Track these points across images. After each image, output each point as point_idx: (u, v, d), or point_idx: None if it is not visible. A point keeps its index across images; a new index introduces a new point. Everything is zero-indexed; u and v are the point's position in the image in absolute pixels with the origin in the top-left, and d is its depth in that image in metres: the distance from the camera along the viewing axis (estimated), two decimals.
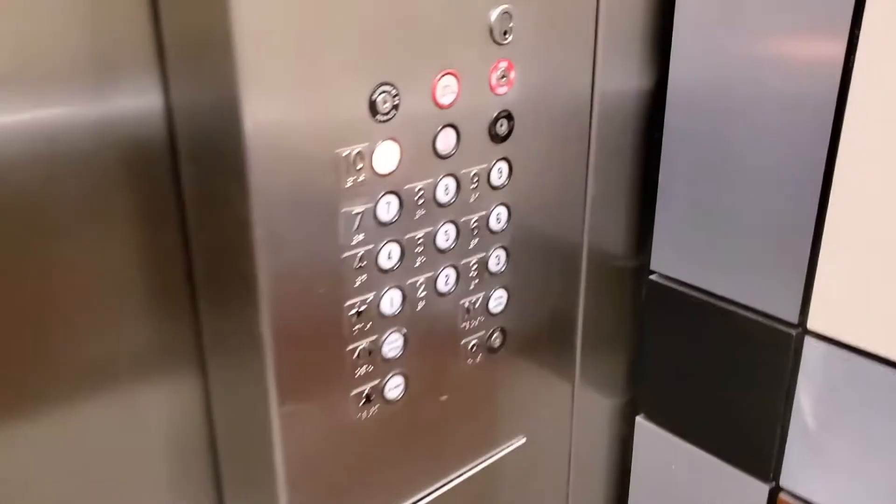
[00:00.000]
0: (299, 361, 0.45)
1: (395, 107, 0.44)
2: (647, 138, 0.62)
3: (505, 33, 0.48)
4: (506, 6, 0.47)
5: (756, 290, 0.58)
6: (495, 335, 0.56)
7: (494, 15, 0.47)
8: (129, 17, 0.40)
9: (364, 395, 0.49)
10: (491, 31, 0.47)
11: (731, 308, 0.59)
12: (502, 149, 0.51)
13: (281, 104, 0.39)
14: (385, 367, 0.49)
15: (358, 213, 0.44)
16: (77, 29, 0.39)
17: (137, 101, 0.42)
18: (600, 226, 0.62)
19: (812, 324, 0.54)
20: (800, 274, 0.54)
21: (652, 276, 0.65)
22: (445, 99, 0.46)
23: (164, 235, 0.45)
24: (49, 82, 0.39)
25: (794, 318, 0.55)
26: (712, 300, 0.60)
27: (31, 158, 0.39)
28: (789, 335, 0.56)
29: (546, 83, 0.52)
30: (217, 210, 0.42)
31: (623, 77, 0.59)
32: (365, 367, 0.48)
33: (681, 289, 0.62)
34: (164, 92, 0.42)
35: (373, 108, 0.43)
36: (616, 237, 0.64)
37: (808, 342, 0.55)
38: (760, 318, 0.57)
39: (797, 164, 0.54)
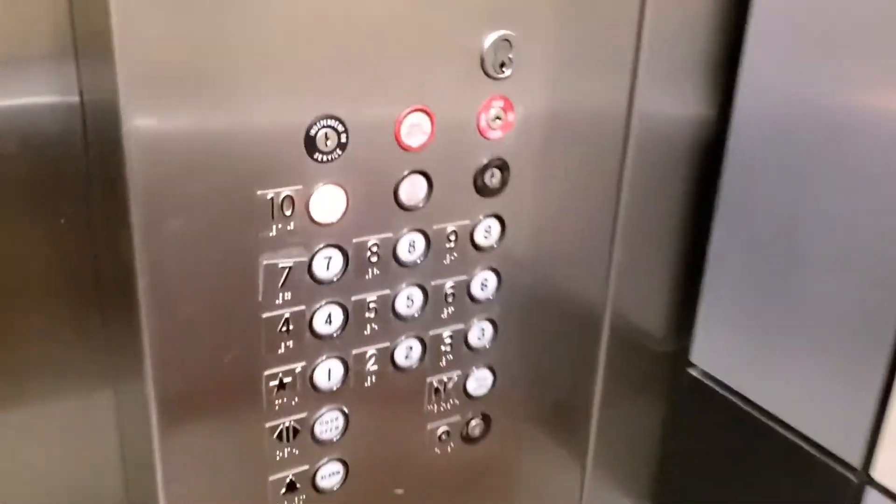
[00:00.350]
0: (197, 436, 0.37)
1: (342, 145, 0.36)
2: (697, 197, 0.51)
3: (502, 65, 0.39)
4: (505, 32, 0.38)
5: (814, 415, 0.45)
6: (474, 422, 0.47)
7: (488, 42, 0.38)
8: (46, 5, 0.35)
9: (287, 482, 0.41)
10: (482, 62, 0.38)
11: (782, 431, 0.47)
12: (492, 203, 0.42)
13: (178, 121, 0.32)
14: (317, 450, 0.41)
15: (285, 267, 0.37)
16: None
17: (50, 97, 0.36)
18: (628, 299, 0.51)
19: (878, 472, 0.42)
20: (868, 405, 0.42)
21: (691, 370, 0.53)
22: (413, 140, 0.38)
23: (80, 241, 0.38)
24: None
25: (857, 461, 0.43)
26: (759, 416, 0.48)
27: None
28: (848, 481, 0.43)
29: (559, 127, 0.42)
30: (111, 235, 0.36)
31: (670, 118, 0.48)
32: (288, 448, 0.40)
33: (723, 393, 0.51)
34: (80, 88, 0.36)
35: (310, 144, 0.35)
36: (649, 315, 0.53)
37: (871, 495, 0.42)
38: (815, 452, 0.45)
39: (881, 253, 0.41)
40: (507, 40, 0.38)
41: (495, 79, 0.39)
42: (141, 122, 0.31)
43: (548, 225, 0.45)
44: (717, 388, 0.51)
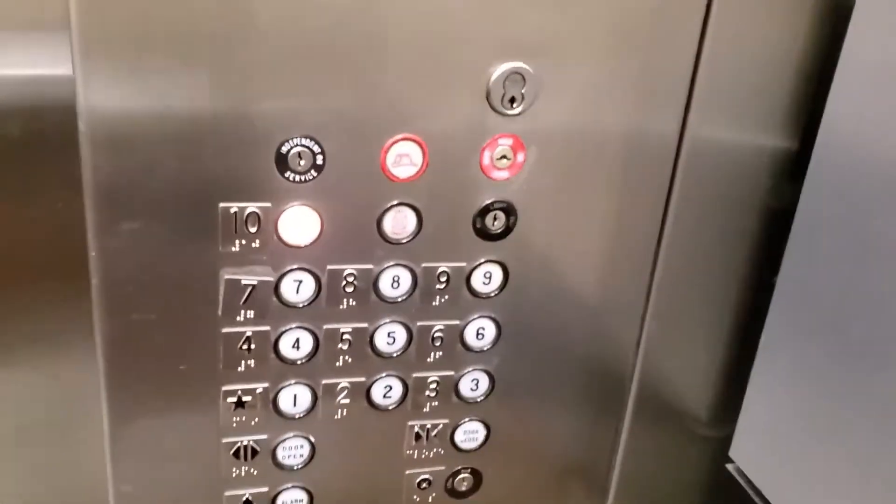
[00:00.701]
0: (151, 440, 0.37)
1: (317, 167, 0.34)
2: (755, 261, 0.43)
3: (512, 101, 0.35)
4: (517, 64, 0.34)
5: None
6: (462, 475, 0.44)
7: (495, 75, 0.34)
8: None
9: (243, 500, 0.40)
10: (488, 96, 0.35)
11: None
12: (493, 248, 0.38)
13: (139, 110, 0.31)
14: (279, 474, 0.40)
15: (249, 285, 0.36)
16: None
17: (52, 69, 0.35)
18: (661, 369, 0.45)
19: None
20: None
21: (729, 467, 0.46)
22: (401, 171, 0.35)
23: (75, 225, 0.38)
24: None
25: None
26: None
27: None
28: None
29: (582, 173, 0.38)
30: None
31: (727, 166, 0.40)
32: (246, 467, 0.39)
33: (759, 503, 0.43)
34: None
35: (282, 162, 0.34)
36: (685, 392, 0.47)
37: None
38: None
39: None
40: (519, 74, 0.35)
41: (503, 115, 0.35)
42: (98, 105, 0.31)
43: (563, 279, 0.40)
44: (754, 496, 0.44)
